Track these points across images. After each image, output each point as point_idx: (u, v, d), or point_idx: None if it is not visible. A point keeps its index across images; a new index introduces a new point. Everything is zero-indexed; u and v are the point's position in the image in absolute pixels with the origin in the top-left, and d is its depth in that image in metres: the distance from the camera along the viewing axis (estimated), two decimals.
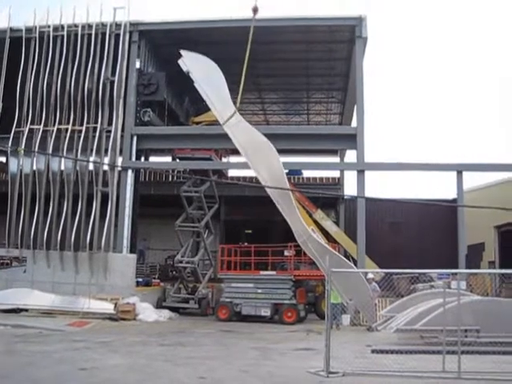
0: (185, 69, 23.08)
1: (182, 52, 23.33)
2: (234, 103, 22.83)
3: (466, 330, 14.80)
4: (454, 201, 28.64)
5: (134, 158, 27.57)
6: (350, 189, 36.70)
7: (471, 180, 29.28)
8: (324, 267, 19.71)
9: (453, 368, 11.15)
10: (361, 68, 26.78)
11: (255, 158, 22.05)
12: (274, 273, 24.73)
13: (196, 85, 22.93)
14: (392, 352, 13.58)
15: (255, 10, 23.66)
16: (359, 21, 26.62)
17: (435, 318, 14.70)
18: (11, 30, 28.54)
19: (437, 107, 79.07)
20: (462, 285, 19.96)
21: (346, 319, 22.01)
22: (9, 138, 26.99)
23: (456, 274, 20.45)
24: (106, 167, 26.93)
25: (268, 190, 21.70)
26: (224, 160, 32.40)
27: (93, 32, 27.49)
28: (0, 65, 28.05)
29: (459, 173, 25.48)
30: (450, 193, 31.61)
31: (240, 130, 22.30)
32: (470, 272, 23.95)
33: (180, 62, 23.14)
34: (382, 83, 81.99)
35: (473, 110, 78.52)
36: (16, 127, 27.33)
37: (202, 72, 22.91)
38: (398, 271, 17.73)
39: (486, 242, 34.77)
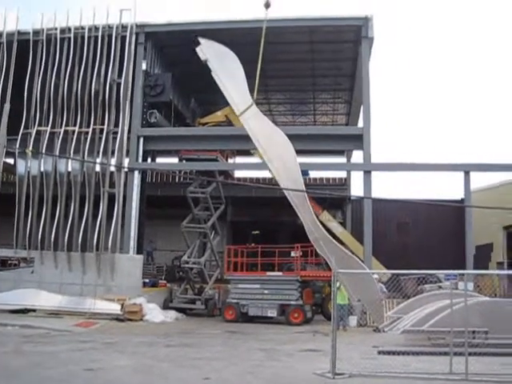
0: (202, 57, 22.81)
1: (201, 40, 23.04)
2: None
3: (473, 332, 14.71)
4: (462, 201, 28.57)
5: (140, 160, 27.65)
6: (356, 189, 36.65)
7: (479, 180, 29.17)
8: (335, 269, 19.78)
9: (460, 370, 11.08)
10: (367, 68, 26.74)
11: (270, 151, 21.81)
12: (280, 273, 24.69)
13: (213, 74, 22.67)
14: (399, 353, 13.51)
15: (267, 6, 23.26)
16: (365, 21, 26.58)
17: (442, 320, 14.63)
18: (19, 32, 28.69)
19: (444, 106, 78.95)
20: (469, 286, 19.91)
21: (352, 320, 21.99)
22: (16, 139, 27.14)
23: (463, 274, 20.35)
24: (112, 168, 27.01)
25: (283, 186, 21.53)
26: (230, 161, 32.39)
27: (99, 34, 27.60)
28: (8, 67, 28.18)
29: (466, 173, 25.36)
30: (457, 193, 31.50)
31: (256, 122, 22.05)
32: (477, 273, 23.86)
33: (198, 49, 22.87)
34: (389, 83, 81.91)
35: (480, 108, 78.30)
36: (23, 129, 27.55)
37: (220, 61, 22.60)
38: (405, 272, 17.68)
39: (494, 242, 34.64)
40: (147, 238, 32.19)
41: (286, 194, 21.57)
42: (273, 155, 21.63)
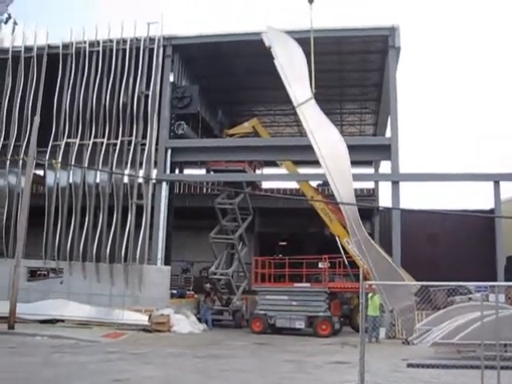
0: (267, 43, 23.10)
1: (267, 27, 23.37)
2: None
3: (505, 345, 14.41)
4: (492, 211, 28.06)
5: (168, 171, 27.79)
6: (385, 200, 36.33)
7: (509, 189, 28.69)
8: (374, 273, 19.81)
9: None
10: (394, 78, 26.59)
11: (322, 147, 21.93)
12: (308, 285, 24.55)
13: (275, 61, 22.90)
14: (428, 366, 13.30)
15: (311, 0, 23.25)
16: (392, 31, 26.46)
17: (473, 332, 14.34)
18: (49, 46, 29.20)
19: (473, 115, 78.05)
20: (500, 298, 19.50)
21: (381, 332, 21.77)
22: (46, 151, 27.56)
23: (494, 286, 19.98)
24: (140, 180, 27.17)
25: (331, 176, 21.49)
26: (258, 172, 32.40)
27: (127, 47, 27.95)
28: (38, 80, 28.67)
29: (496, 183, 25.01)
30: (487, 203, 31.05)
31: (312, 115, 22.18)
32: (508, 285, 23.38)
33: (263, 35, 23.19)
34: (417, 92, 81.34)
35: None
36: (53, 141, 27.93)
37: (284, 50, 22.81)
38: (435, 284, 17.42)
39: None
40: (180, 255, 32.54)
41: (333, 189, 21.63)
42: (326, 152, 21.70)
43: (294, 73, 22.45)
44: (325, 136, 21.91)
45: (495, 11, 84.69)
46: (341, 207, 22.21)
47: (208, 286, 27.58)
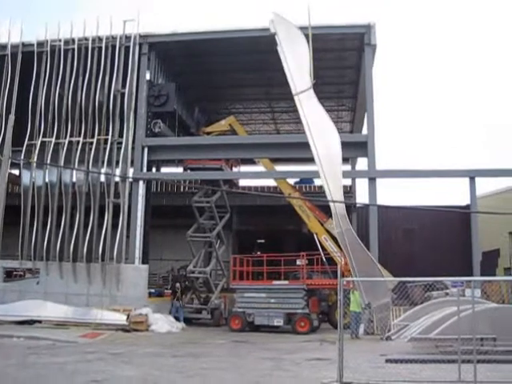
0: (272, 30, 23.35)
1: (273, 14, 23.51)
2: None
3: (481, 339, 14.56)
4: (468, 207, 28.40)
5: (145, 169, 27.65)
6: (362, 197, 36.53)
7: (485, 185, 29.06)
8: (353, 265, 20.00)
9: (469, 377, 10.96)
10: (370, 75, 26.74)
11: (316, 135, 22.25)
12: (286, 282, 24.60)
13: (278, 48, 23.17)
14: (407, 361, 13.39)
15: None
16: (368, 28, 26.59)
17: (450, 327, 14.50)
18: (23, 44, 28.83)
19: (449, 112, 78.86)
20: (476, 292, 19.77)
21: (360, 328, 21.92)
22: (21, 150, 27.19)
23: (470, 281, 20.23)
24: (117, 179, 27.00)
25: (320, 165, 21.72)
26: (235, 170, 32.38)
27: (103, 45, 27.67)
28: (13, 79, 28.30)
29: (472, 179, 25.29)
30: (463, 199, 31.43)
31: (309, 105, 22.54)
32: (484, 279, 23.71)
33: (269, 21, 23.37)
34: (393, 89, 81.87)
35: (486, 112, 78.11)
36: (28, 140, 27.57)
37: (288, 38, 23.16)
38: (412, 279, 17.57)
39: (501, 248, 34.46)
40: (157, 254, 32.37)
41: (322, 180, 21.89)
42: (320, 144, 22.00)
43: (296, 61, 22.80)
44: (320, 128, 22.23)
45: (479, 6, 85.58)
46: (328, 196, 22.48)
47: (177, 285, 27.34)
